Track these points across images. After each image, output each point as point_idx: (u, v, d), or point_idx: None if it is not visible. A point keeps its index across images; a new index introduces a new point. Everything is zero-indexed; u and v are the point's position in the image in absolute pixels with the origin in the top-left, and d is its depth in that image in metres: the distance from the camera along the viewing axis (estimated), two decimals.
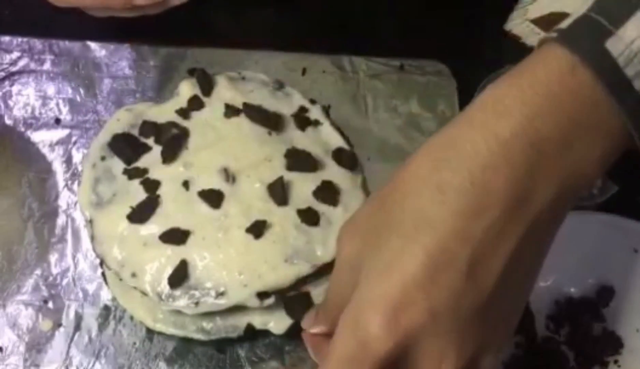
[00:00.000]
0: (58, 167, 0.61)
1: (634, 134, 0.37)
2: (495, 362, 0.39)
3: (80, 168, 0.60)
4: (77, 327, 0.55)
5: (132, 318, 0.55)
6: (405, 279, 0.36)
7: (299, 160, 0.55)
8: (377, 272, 0.37)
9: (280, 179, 0.53)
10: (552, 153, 0.37)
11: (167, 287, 0.51)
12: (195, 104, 0.58)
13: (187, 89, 0.58)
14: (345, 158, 0.56)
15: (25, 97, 0.63)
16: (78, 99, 0.64)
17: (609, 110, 0.36)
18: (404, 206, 0.38)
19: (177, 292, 0.51)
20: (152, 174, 0.54)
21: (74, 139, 0.62)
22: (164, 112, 0.58)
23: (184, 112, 0.57)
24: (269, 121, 0.57)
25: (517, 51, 0.65)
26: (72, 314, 0.55)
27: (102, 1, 0.54)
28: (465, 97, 0.63)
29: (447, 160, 0.37)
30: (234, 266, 0.51)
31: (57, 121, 0.63)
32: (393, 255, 0.37)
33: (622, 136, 0.37)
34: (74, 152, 0.62)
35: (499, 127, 0.37)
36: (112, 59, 0.65)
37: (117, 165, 0.55)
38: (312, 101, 0.60)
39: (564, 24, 0.38)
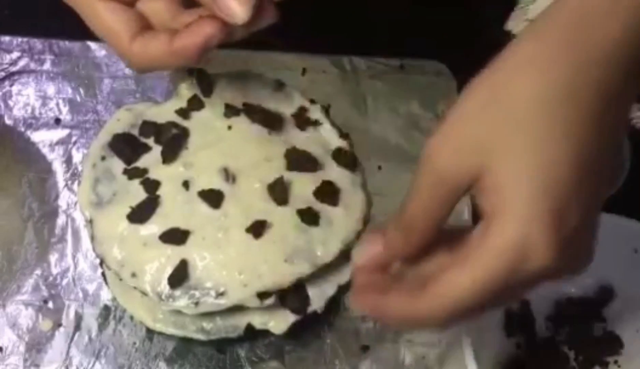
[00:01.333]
0: (58, 167, 0.61)
1: None
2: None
3: (80, 168, 0.60)
4: (77, 327, 0.55)
5: (132, 318, 0.55)
6: (562, 187, 0.36)
7: (299, 160, 0.55)
8: (532, 173, 0.36)
9: (280, 179, 0.53)
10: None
11: (167, 287, 0.51)
12: (195, 104, 0.58)
13: (187, 89, 0.58)
14: (345, 158, 0.56)
15: (25, 97, 0.63)
16: (78, 99, 0.64)
17: None
18: (530, 117, 0.36)
19: (177, 292, 0.51)
20: (152, 174, 0.54)
21: (74, 139, 0.62)
22: (164, 112, 0.58)
23: (184, 112, 0.57)
24: (269, 121, 0.57)
25: None
26: (72, 314, 0.55)
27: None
28: None
29: (563, 64, 0.36)
30: (234, 266, 0.51)
31: (57, 121, 0.63)
32: (542, 163, 0.36)
33: None
34: (74, 152, 0.62)
35: (609, 30, 0.36)
36: (112, 59, 0.65)
37: (117, 165, 0.55)
38: (312, 101, 0.60)
39: None
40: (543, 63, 0.37)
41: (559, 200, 0.36)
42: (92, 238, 0.53)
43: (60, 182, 0.60)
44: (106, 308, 0.56)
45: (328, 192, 0.54)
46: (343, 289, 0.53)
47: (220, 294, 0.51)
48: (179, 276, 0.51)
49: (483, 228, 0.37)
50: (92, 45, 0.65)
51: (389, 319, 0.41)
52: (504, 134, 0.36)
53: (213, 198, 0.53)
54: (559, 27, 0.37)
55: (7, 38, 0.65)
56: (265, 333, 0.53)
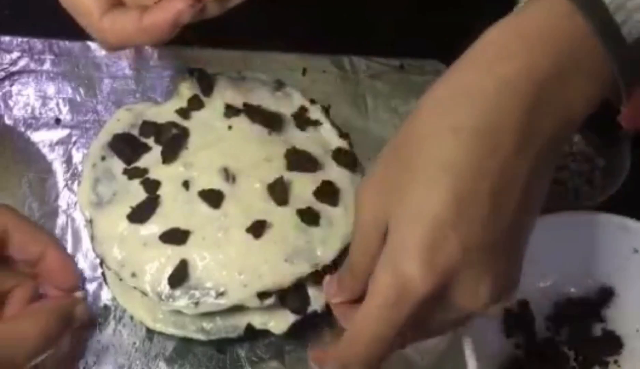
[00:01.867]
0: (58, 167, 0.61)
1: (618, 78, 0.39)
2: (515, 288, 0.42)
3: (80, 168, 0.60)
4: (77, 327, 0.55)
5: (132, 318, 0.55)
6: (436, 221, 0.38)
7: (299, 160, 0.55)
8: (406, 220, 0.39)
9: (280, 179, 0.53)
10: (553, 90, 0.39)
11: (167, 287, 0.51)
12: (195, 104, 0.58)
13: (187, 89, 0.59)
14: (345, 158, 0.56)
15: (25, 97, 0.63)
16: (78, 99, 0.64)
17: (600, 54, 0.39)
18: (422, 152, 0.39)
19: (177, 292, 0.51)
20: (152, 174, 0.54)
21: (74, 139, 0.62)
22: (164, 112, 0.58)
23: (184, 112, 0.57)
24: (269, 121, 0.57)
25: None
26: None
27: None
28: None
29: (457, 104, 0.39)
30: (234, 266, 0.51)
31: (57, 121, 0.63)
32: (419, 201, 0.39)
33: (609, 80, 0.40)
34: (74, 152, 0.62)
35: (504, 69, 0.39)
36: (112, 59, 0.65)
37: (117, 165, 0.55)
38: (312, 101, 0.60)
39: None
40: (440, 104, 0.40)
41: (430, 238, 0.38)
42: (92, 238, 0.53)
43: (60, 182, 0.60)
44: (106, 308, 0.56)
45: (328, 192, 0.54)
46: None
47: (220, 294, 0.51)
48: (179, 276, 0.51)
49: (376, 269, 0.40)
50: (92, 45, 0.65)
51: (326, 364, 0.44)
52: (404, 174, 0.40)
53: (213, 198, 0.53)
54: (456, 73, 0.41)
55: (7, 38, 0.65)
56: (265, 333, 0.53)
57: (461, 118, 0.39)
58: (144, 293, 0.52)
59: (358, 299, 0.43)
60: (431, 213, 0.38)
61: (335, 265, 0.52)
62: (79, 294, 0.50)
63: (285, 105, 0.59)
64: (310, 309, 0.53)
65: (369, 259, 0.41)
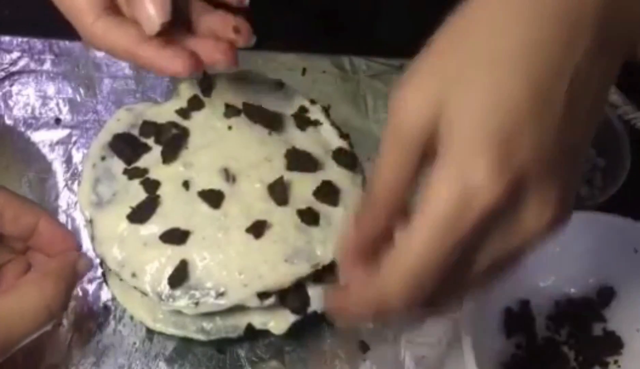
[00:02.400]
0: (58, 167, 0.61)
1: None
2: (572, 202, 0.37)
3: (80, 168, 0.60)
4: (77, 327, 0.55)
5: (132, 318, 0.55)
6: (514, 112, 0.33)
7: (299, 160, 0.55)
8: (475, 109, 0.33)
9: (280, 179, 0.53)
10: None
11: (167, 287, 0.51)
12: (195, 104, 0.58)
13: (187, 89, 0.59)
14: (345, 158, 0.56)
15: (25, 97, 0.64)
16: (78, 99, 0.64)
17: None
18: (493, 36, 0.34)
19: (177, 292, 0.51)
20: (152, 174, 0.54)
21: (74, 139, 0.62)
22: (164, 112, 0.58)
23: (184, 112, 0.57)
24: (269, 121, 0.57)
25: None
26: (72, 314, 0.55)
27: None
28: None
29: None
30: (234, 266, 0.51)
31: (57, 121, 0.63)
32: (493, 90, 0.33)
33: None
34: (74, 152, 0.62)
35: None
36: (112, 59, 0.65)
37: (117, 165, 0.55)
38: (312, 101, 0.60)
39: None
40: (511, 13, 0.35)
41: (505, 132, 0.33)
42: (92, 238, 0.53)
43: (60, 182, 0.60)
44: (106, 308, 0.56)
45: (328, 192, 0.54)
46: None
47: (220, 295, 0.51)
48: (179, 276, 0.51)
49: (428, 178, 0.34)
50: None
51: (352, 306, 0.37)
52: (465, 67, 0.34)
53: (213, 198, 0.53)
54: None
55: (7, 38, 0.65)
56: (265, 333, 0.53)
57: (537, 6, 0.34)
58: (144, 293, 0.52)
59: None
60: (508, 107, 0.33)
61: (335, 265, 0.52)
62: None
63: (285, 105, 0.59)
64: (310, 309, 0.53)
65: (404, 176, 0.34)
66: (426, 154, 0.35)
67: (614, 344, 0.57)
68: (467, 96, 0.33)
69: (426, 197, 0.33)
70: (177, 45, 0.48)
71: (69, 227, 0.58)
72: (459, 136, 0.33)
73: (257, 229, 0.52)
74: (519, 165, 0.33)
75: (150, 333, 0.55)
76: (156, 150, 0.55)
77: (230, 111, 0.57)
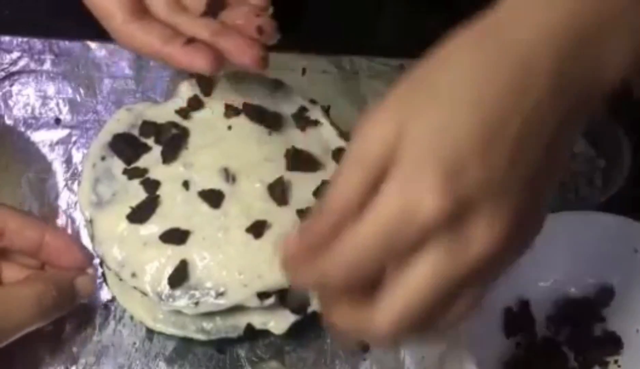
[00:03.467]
0: (58, 167, 0.61)
1: None
2: (528, 244, 0.39)
3: (80, 168, 0.60)
4: (78, 327, 0.55)
5: (132, 318, 0.55)
6: (461, 144, 0.35)
7: (299, 160, 0.55)
8: (426, 137, 0.35)
9: (280, 179, 0.53)
10: (592, 43, 0.37)
11: (167, 287, 0.51)
12: (195, 104, 0.58)
13: (187, 89, 0.58)
14: None
15: (25, 97, 0.63)
16: (78, 99, 0.64)
17: None
18: (451, 74, 0.37)
19: (177, 292, 0.51)
20: (152, 174, 0.54)
21: (74, 139, 0.62)
22: (164, 112, 0.58)
23: (184, 112, 0.57)
24: (269, 121, 0.57)
25: None
26: (72, 314, 0.55)
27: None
28: None
29: (490, 43, 0.37)
30: (234, 266, 0.51)
31: (57, 121, 0.63)
32: (444, 120, 0.36)
33: None
34: (74, 152, 0.62)
35: (545, 15, 0.37)
36: (112, 59, 0.65)
37: (117, 165, 0.55)
38: (312, 101, 0.60)
39: None
40: (473, 46, 0.38)
41: (454, 157, 0.35)
42: (92, 238, 0.53)
43: (60, 182, 0.60)
44: (106, 308, 0.56)
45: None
46: None
47: (220, 294, 0.51)
48: (179, 276, 0.51)
49: (380, 190, 0.36)
50: (92, 45, 0.65)
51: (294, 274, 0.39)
52: (423, 106, 0.36)
53: (213, 198, 0.53)
54: (492, 19, 0.38)
55: (7, 38, 0.65)
56: (265, 333, 0.53)
57: (495, 54, 0.36)
58: (144, 293, 0.52)
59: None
60: (457, 134, 0.35)
61: None
62: (89, 270, 0.53)
63: (285, 105, 0.59)
64: (310, 309, 0.53)
65: (359, 190, 0.36)
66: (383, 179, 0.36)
67: (614, 344, 0.57)
68: (423, 127, 0.36)
69: (374, 203, 0.35)
70: (201, 44, 0.51)
71: (69, 227, 0.58)
72: (409, 158, 0.35)
73: (257, 229, 0.52)
74: (465, 186, 0.35)
75: (150, 333, 0.55)
76: (156, 150, 0.55)
77: (230, 111, 0.57)
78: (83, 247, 0.54)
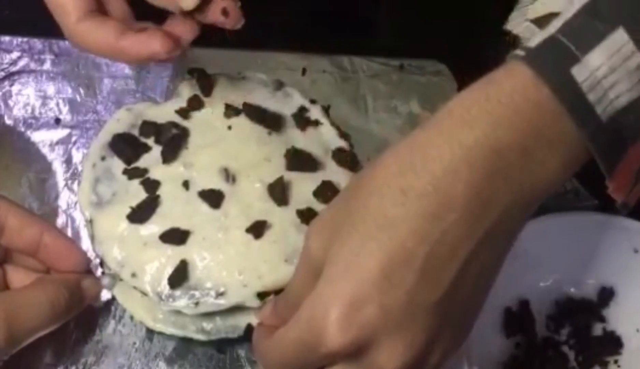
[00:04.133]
0: (58, 167, 0.61)
1: (595, 155, 0.38)
2: (442, 362, 0.41)
3: (80, 168, 0.60)
4: (78, 327, 0.55)
5: (132, 317, 0.55)
6: (362, 278, 0.38)
7: (299, 160, 0.55)
8: (335, 270, 0.39)
9: (280, 179, 0.53)
10: (513, 160, 0.38)
11: (167, 287, 0.51)
12: (195, 104, 0.58)
13: (187, 89, 0.58)
14: (345, 158, 0.56)
15: (25, 97, 0.63)
16: (78, 99, 0.64)
17: (570, 125, 0.38)
18: (367, 206, 0.39)
19: (177, 292, 0.51)
20: (152, 174, 0.54)
21: (74, 139, 0.62)
22: (164, 112, 0.58)
23: (184, 112, 0.57)
24: (269, 121, 0.57)
25: None
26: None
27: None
28: None
29: (412, 163, 0.39)
30: (234, 266, 0.51)
31: (57, 121, 0.63)
32: (353, 253, 0.39)
33: (583, 149, 0.38)
34: (74, 152, 0.62)
35: (464, 135, 0.38)
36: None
37: (117, 165, 0.55)
38: (312, 101, 0.60)
39: (533, 42, 0.39)
40: (396, 162, 0.39)
41: (356, 295, 0.38)
42: (92, 238, 0.53)
43: (60, 182, 0.60)
44: (106, 308, 0.56)
45: (328, 192, 0.54)
46: None
47: (220, 295, 0.51)
48: (179, 276, 0.51)
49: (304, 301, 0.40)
50: None
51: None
52: (349, 219, 0.39)
53: (213, 198, 0.53)
54: (418, 134, 0.40)
55: (7, 38, 0.65)
56: None
57: (412, 179, 0.38)
58: (144, 293, 0.52)
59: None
60: (359, 270, 0.38)
61: None
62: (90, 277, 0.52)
63: (285, 105, 0.59)
64: None
65: (305, 291, 0.40)
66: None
67: (613, 344, 0.57)
68: (341, 248, 0.39)
69: (295, 316, 0.40)
70: (155, 29, 0.49)
71: (69, 227, 0.59)
72: (325, 280, 0.39)
73: (257, 229, 0.52)
74: (363, 322, 0.38)
75: (150, 333, 0.55)
76: (156, 150, 0.55)
77: (230, 111, 0.57)
78: (81, 249, 0.53)
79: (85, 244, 0.57)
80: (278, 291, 0.51)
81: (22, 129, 0.62)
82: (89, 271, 0.52)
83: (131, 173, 0.55)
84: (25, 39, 0.65)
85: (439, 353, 0.40)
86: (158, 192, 0.53)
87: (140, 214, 0.52)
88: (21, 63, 0.65)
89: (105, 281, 0.53)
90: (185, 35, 0.50)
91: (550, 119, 0.37)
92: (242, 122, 0.57)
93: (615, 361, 0.56)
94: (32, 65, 0.65)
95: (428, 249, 0.38)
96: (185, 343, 0.54)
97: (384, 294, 0.38)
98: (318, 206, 0.53)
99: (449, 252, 0.38)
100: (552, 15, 0.65)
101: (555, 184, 0.39)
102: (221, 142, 0.56)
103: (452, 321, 0.40)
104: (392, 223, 0.38)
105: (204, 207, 0.53)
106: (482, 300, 0.41)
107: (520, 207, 0.39)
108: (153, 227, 0.52)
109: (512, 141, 0.38)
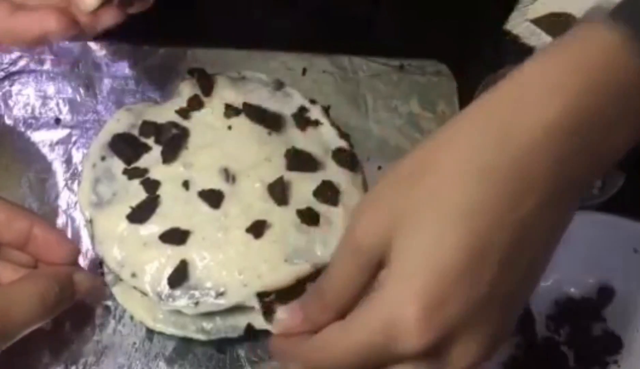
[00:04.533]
0: (58, 167, 0.61)
1: None
2: (496, 351, 0.39)
3: (80, 168, 0.60)
4: (78, 327, 0.55)
5: (132, 317, 0.55)
6: (445, 272, 0.35)
7: (299, 160, 0.55)
8: (410, 264, 0.36)
9: (280, 179, 0.53)
10: (593, 136, 0.36)
11: (167, 287, 0.51)
12: (195, 104, 0.58)
13: (187, 89, 0.59)
14: (345, 158, 0.56)
15: (25, 97, 0.63)
16: (78, 99, 0.64)
17: None
18: (437, 191, 0.36)
19: (177, 292, 0.51)
20: (152, 174, 0.54)
21: (74, 139, 0.62)
22: (164, 112, 0.58)
23: (184, 112, 0.57)
24: (269, 121, 0.57)
25: (517, 51, 0.65)
26: (72, 314, 0.55)
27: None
28: (465, 97, 0.63)
29: (487, 142, 0.36)
30: (234, 266, 0.51)
31: (57, 121, 0.63)
32: (428, 246, 0.36)
33: None
34: (74, 152, 0.62)
35: (544, 111, 0.35)
36: (112, 59, 0.65)
37: (117, 165, 0.55)
38: (312, 101, 0.60)
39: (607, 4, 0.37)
40: (469, 141, 0.37)
41: (438, 289, 0.35)
42: (92, 238, 0.53)
43: (60, 182, 0.60)
44: (106, 308, 0.56)
45: (328, 192, 0.54)
46: None
47: (220, 294, 0.51)
48: (179, 276, 0.51)
49: (369, 298, 0.37)
50: (92, 45, 0.65)
51: (282, 354, 0.43)
52: (417, 206, 0.36)
53: (213, 198, 0.53)
54: (490, 109, 0.37)
55: None
56: (265, 333, 0.53)
57: (491, 158, 0.35)
58: (144, 293, 0.52)
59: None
60: (441, 262, 0.35)
61: None
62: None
63: (285, 105, 0.59)
64: None
65: (351, 290, 0.38)
66: (379, 263, 0.38)
67: (613, 344, 0.57)
68: (413, 239, 0.36)
69: (360, 319, 0.37)
70: (50, 8, 0.45)
71: (69, 227, 0.58)
72: (399, 276, 0.36)
73: (257, 229, 0.52)
74: (446, 320, 0.35)
75: (150, 333, 0.55)
76: (156, 150, 0.55)
77: (230, 111, 0.57)
78: (70, 241, 0.53)
79: (85, 244, 0.57)
80: (278, 291, 0.51)
81: (22, 129, 0.62)
82: (77, 264, 0.52)
83: (131, 173, 0.55)
84: None
85: (498, 344, 0.38)
86: (158, 192, 0.53)
87: (140, 214, 0.53)
88: (21, 63, 0.65)
89: (109, 277, 0.53)
90: (107, 20, 0.47)
91: (635, 86, 0.35)
92: (242, 122, 0.57)
93: (615, 361, 0.56)
94: (32, 65, 0.65)
95: (508, 239, 0.35)
96: (185, 343, 0.54)
97: (465, 290, 0.35)
98: (318, 206, 0.53)
99: (529, 239, 0.36)
100: (553, 15, 0.65)
101: (623, 152, 0.37)
102: (221, 142, 0.56)
103: (522, 299, 0.39)
104: (473, 211, 0.35)
105: (204, 207, 0.53)
106: (536, 285, 0.39)
107: (596, 176, 0.38)
108: (153, 227, 0.52)
109: (594, 114, 0.35)
